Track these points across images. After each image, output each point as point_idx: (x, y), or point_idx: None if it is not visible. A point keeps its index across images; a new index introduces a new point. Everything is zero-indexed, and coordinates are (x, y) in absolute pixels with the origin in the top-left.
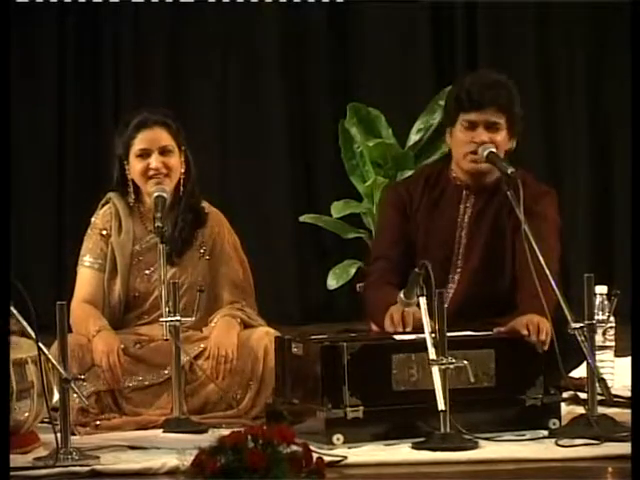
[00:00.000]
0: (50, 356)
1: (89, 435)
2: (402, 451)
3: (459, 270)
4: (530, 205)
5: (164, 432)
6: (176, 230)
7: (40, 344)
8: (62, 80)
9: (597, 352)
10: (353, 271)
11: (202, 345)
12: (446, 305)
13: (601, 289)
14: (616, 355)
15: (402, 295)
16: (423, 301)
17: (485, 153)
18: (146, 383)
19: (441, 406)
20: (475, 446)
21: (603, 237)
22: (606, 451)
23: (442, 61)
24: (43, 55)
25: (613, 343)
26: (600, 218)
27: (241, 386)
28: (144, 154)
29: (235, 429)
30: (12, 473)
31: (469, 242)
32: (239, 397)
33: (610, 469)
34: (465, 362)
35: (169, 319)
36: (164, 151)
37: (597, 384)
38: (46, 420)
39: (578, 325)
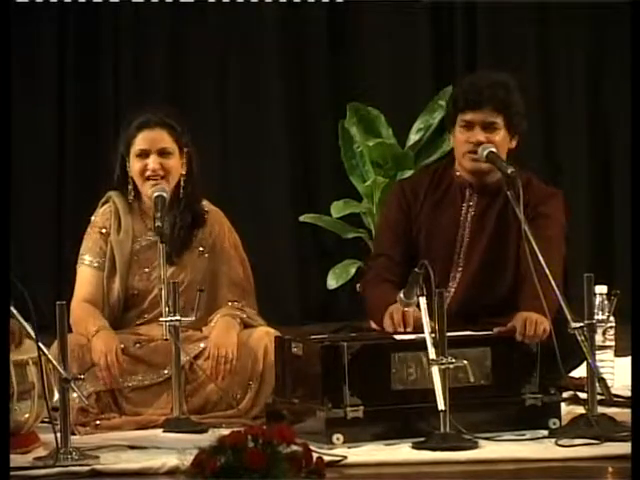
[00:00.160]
0: (50, 356)
1: (89, 435)
2: (402, 451)
3: (460, 269)
4: (536, 206)
5: (164, 432)
6: (175, 229)
7: (40, 344)
8: (62, 80)
9: (597, 352)
10: (353, 271)
11: (202, 345)
12: (447, 304)
13: (601, 289)
14: (616, 355)
15: (402, 295)
16: (423, 301)
17: (485, 153)
18: (146, 383)
19: (441, 406)
20: (475, 446)
21: (603, 237)
22: (606, 451)
23: (442, 61)
24: (43, 55)
25: (613, 343)
26: (600, 218)
27: (241, 386)
28: (143, 154)
29: (235, 429)
30: (12, 473)
31: (471, 241)
32: (239, 397)
33: (610, 469)
34: (465, 362)
35: (169, 319)
36: (163, 152)
37: (597, 384)
38: (46, 420)
39: (578, 325)
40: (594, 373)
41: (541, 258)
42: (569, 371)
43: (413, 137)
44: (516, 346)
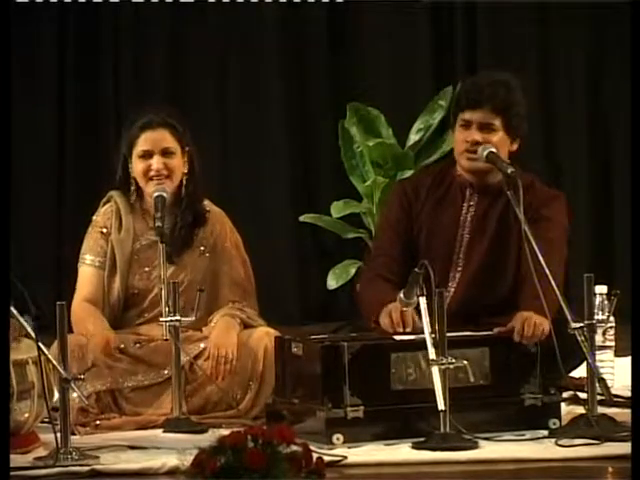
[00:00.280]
0: (50, 356)
1: (89, 435)
2: (402, 451)
3: (460, 269)
4: (538, 209)
5: (164, 432)
6: (176, 229)
7: (40, 344)
8: (62, 80)
9: (597, 352)
10: (353, 271)
11: (202, 345)
12: (447, 304)
13: (601, 289)
14: (616, 355)
15: (402, 295)
16: (423, 301)
17: (485, 153)
18: (146, 383)
19: (441, 406)
20: (475, 446)
21: (603, 237)
22: (606, 451)
23: (442, 61)
24: (43, 55)
25: (613, 343)
26: (600, 218)
27: (241, 386)
28: (146, 155)
29: (235, 429)
30: (12, 473)
31: (471, 241)
32: (239, 397)
33: (610, 469)
34: (465, 362)
35: (169, 319)
36: (166, 152)
37: (597, 384)
38: (46, 420)
39: (578, 325)
40: (594, 373)
41: (541, 259)
42: (569, 371)
43: (413, 137)
44: (516, 346)
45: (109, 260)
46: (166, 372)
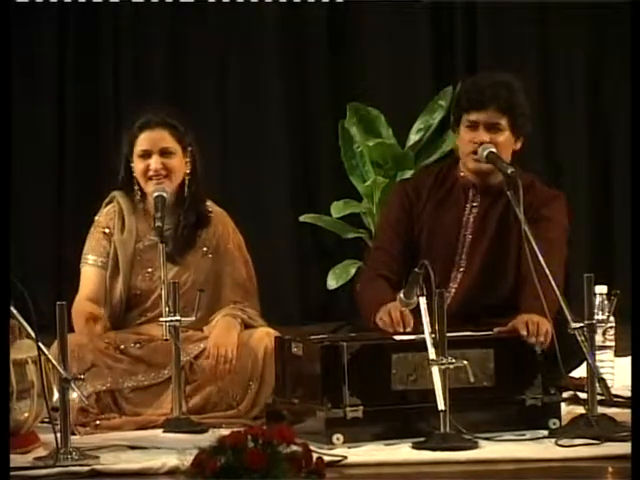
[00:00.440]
0: (50, 356)
1: (89, 435)
2: (402, 451)
3: (462, 270)
4: (538, 209)
5: (164, 432)
6: (179, 229)
7: (40, 344)
8: (62, 80)
9: (597, 352)
10: (353, 271)
11: (202, 345)
12: (447, 304)
13: (601, 289)
14: (616, 355)
15: (402, 295)
16: (423, 301)
17: (485, 153)
18: (146, 383)
19: (441, 406)
20: (475, 446)
21: (603, 237)
22: (606, 451)
23: (442, 61)
24: (43, 55)
25: (613, 343)
26: (600, 218)
27: (241, 386)
28: (145, 155)
29: (235, 429)
30: (12, 473)
31: (473, 242)
32: (239, 397)
33: (610, 469)
34: (465, 362)
35: (169, 319)
36: (165, 152)
37: (597, 384)
38: (46, 420)
39: (578, 325)
40: (594, 373)
41: (541, 259)
42: (569, 371)
43: (413, 137)
44: (520, 347)
45: (111, 260)
46: (166, 372)
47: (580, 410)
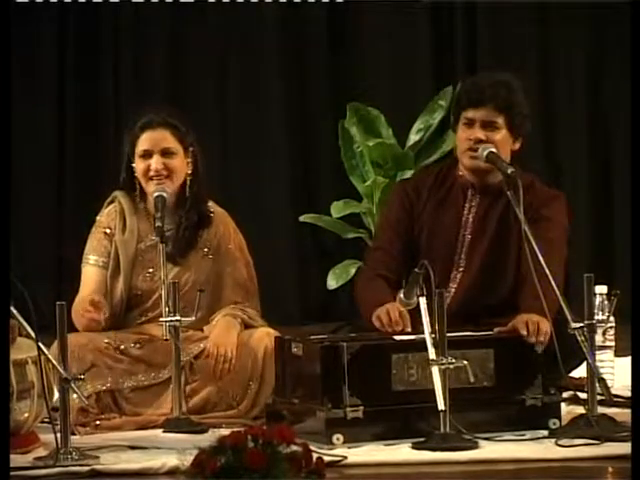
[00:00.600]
0: (50, 356)
1: (89, 435)
2: (402, 451)
3: (461, 270)
4: (538, 209)
5: (164, 432)
6: (180, 230)
7: (40, 344)
8: (62, 80)
9: (597, 352)
10: (353, 271)
11: (202, 345)
12: (447, 304)
13: (601, 289)
14: (616, 355)
15: (402, 295)
16: (423, 301)
17: (485, 153)
18: (146, 383)
19: (441, 406)
20: (475, 446)
21: (603, 237)
22: (606, 451)
23: (442, 61)
24: (43, 55)
25: (613, 343)
26: (600, 218)
27: (241, 386)
28: (146, 155)
29: (235, 429)
30: (12, 473)
31: (472, 242)
32: (239, 397)
33: (610, 469)
34: (465, 362)
35: (169, 319)
36: (166, 152)
37: (597, 384)
38: (46, 420)
39: (578, 325)
40: (594, 373)
41: (541, 259)
42: (569, 371)
43: (413, 137)
44: (520, 347)
45: (112, 261)
46: (166, 372)
47: (580, 410)
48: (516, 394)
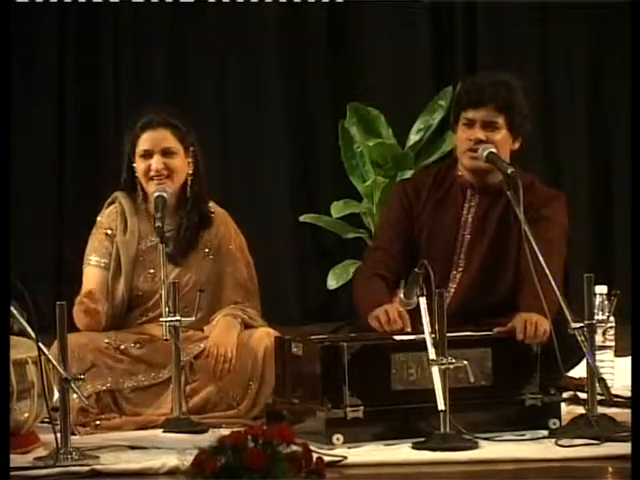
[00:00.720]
0: (50, 356)
1: (89, 435)
2: (402, 451)
3: (461, 270)
4: (538, 209)
5: (164, 432)
6: (181, 230)
7: (40, 344)
8: (62, 80)
9: (597, 352)
10: (353, 271)
11: (202, 345)
12: (447, 304)
13: (601, 289)
14: (616, 355)
15: (402, 295)
16: (423, 301)
17: (485, 153)
18: (146, 383)
19: (441, 406)
20: (475, 446)
21: (603, 237)
22: (606, 451)
23: (442, 61)
24: (43, 55)
25: (613, 343)
26: (600, 218)
27: (241, 386)
28: (147, 155)
29: (235, 429)
30: (12, 473)
31: (472, 242)
32: (239, 397)
33: (610, 469)
34: (465, 362)
35: (169, 319)
36: (166, 152)
37: (597, 384)
38: (46, 420)
39: (578, 325)
40: (594, 373)
41: (541, 259)
42: (569, 369)
43: (413, 137)
44: (518, 347)
45: (113, 261)
46: (166, 372)
47: (580, 410)
48: (516, 394)
